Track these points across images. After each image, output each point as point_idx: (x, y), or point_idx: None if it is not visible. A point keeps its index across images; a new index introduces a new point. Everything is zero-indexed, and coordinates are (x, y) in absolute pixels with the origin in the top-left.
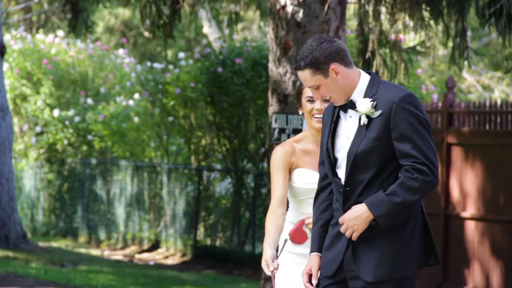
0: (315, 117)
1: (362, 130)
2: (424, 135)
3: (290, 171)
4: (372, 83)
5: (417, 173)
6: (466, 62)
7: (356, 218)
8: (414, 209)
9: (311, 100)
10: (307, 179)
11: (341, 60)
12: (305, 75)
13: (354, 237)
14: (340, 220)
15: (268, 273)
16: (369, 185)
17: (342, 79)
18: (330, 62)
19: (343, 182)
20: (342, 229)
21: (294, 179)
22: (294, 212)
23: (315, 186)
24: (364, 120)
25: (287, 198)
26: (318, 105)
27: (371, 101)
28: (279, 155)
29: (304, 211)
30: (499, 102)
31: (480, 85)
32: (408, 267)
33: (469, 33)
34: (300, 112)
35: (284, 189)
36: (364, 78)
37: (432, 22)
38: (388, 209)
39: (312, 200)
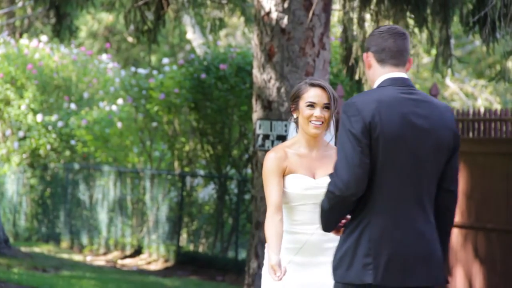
0: (313, 123)
1: None
2: (343, 144)
3: (283, 176)
4: (379, 86)
5: (329, 180)
6: (449, 70)
7: None
8: (334, 218)
9: (312, 106)
10: (301, 184)
11: (375, 53)
12: None
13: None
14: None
15: (276, 279)
16: None
17: (369, 69)
18: (368, 50)
19: None
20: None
21: (287, 184)
22: (286, 219)
23: (308, 192)
24: None
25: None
26: (318, 112)
27: None
28: (272, 161)
29: (296, 218)
30: (482, 110)
31: (464, 93)
32: (339, 274)
33: (452, 41)
34: (294, 116)
35: (279, 195)
36: (380, 79)
37: (416, 30)
38: (320, 211)
39: (305, 207)
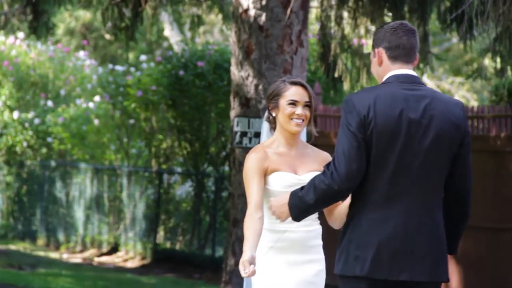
0: (295, 121)
1: None
2: (341, 138)
3: (265, 175)
4: (384, 82)
5: (322, 173)
6: (428, 67)
7: (280, 206)
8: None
9: (294, 104)
10: (284, 181)
11: (387, 49)
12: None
13: (282, 221)
14: (268, 205)
15: (244, 275)
16: None
17: (379, 65)
18: (378, 46)
19: None
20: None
21: (271, 182)
22: (268, 218)
23: (292, 188)
24: None
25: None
26: (299, 110)
27: None
28: (253, 161)
29: None
30: None
31: (441, 90)
32: (338, 267)
33: (430, 38)
34: (273, 114)
35: (260, 194)
36: (388, 75)
37: None
38: (295, 201)
39: None
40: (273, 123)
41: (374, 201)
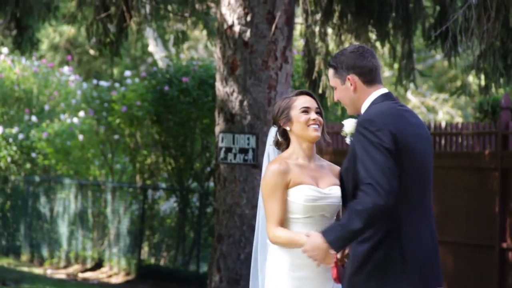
0: (313, 126)
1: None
2: (374, 156)
3: (287, 188)
4: (372, 104)
5: (362, 195)
6: (412, 84)
7: (314, 248)
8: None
9: (306, 111)
10: (308, 195)
11: (361, 75)
12: (329, 73)
13: (318, 266)
14: (302, 250)
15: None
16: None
17: (355, 92)
18: (350, 72)
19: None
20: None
21: (294, 195)
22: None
23: (317, 203)
24: (348, 140)
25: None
26: (314, 115)
27: (356, 122)
28: (276, 174)
29: (301, 232)
30: (443, 124)
31: (425, 106)
32: (372, 286)
33: (414, 55)
34: (288, 129)
35: (283, 211)
36: (371, 98)
37: (378, 44)
38: (338, 233)
39: (311, 220)
40: (283, 145)
41: (407, 215)
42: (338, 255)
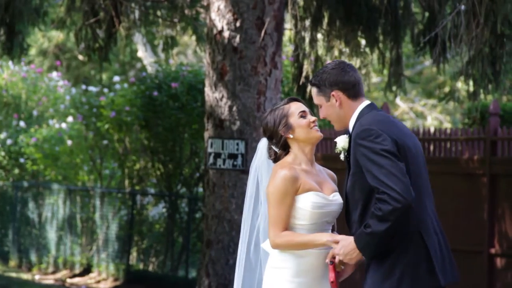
0: (315, 128)
1: (349, 167)
2: (380, 163)
3: (296, 194)
4: (360, 116)
5: (379, 203)
6: (400, 90)
7: (348, 253)
8: (391, 238)
9: (304, 116)
10: (317, 202)
11: (345, 90)
12: (312, 91)
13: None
14: (331, 253)
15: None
16: (361, 221)
17: (341, 107)
18: (334, 89)
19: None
20: (336, 260)
21: (303, 201)
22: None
23: (324, 209)
24: (342, 156)
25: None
26: (312, 117)
27: (348, 137)
28: (286, 180)
29: None
30: (432, 129)
31: (414, 112)
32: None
33: (403, 61)
34: (290, 136)
35: (289, 217)
36: (357, 111)
37: (367, 50)
38: (365, 240)
39: (317, 226)
40: (281, 156)
41: (423, 216)
42: (337, 259)
